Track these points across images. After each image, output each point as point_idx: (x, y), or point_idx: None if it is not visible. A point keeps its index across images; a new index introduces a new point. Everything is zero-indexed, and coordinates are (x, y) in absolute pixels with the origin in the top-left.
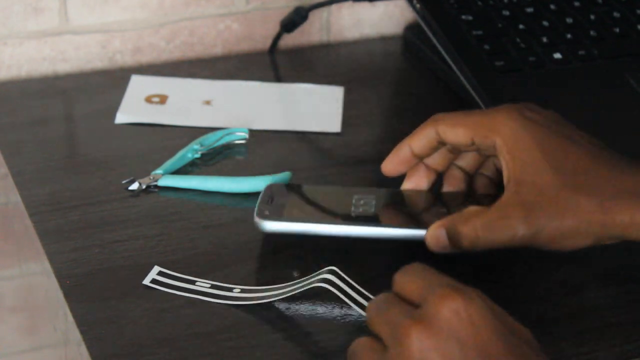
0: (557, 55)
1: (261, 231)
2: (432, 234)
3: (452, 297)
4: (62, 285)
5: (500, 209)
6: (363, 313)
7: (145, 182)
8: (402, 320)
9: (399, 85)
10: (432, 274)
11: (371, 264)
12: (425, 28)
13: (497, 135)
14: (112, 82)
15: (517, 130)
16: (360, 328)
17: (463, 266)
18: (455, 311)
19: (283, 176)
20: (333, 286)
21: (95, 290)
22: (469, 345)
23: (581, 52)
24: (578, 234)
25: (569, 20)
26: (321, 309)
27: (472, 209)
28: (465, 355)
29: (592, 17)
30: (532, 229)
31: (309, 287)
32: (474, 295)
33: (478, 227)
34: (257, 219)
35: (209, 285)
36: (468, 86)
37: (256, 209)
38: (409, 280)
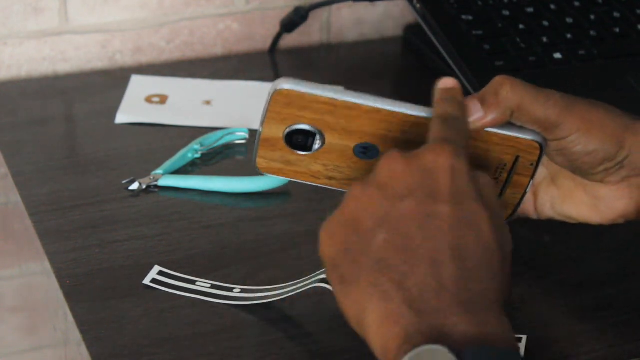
0: (557, 55)
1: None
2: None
3: (443, 149)
4: (62, 285)
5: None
6: None
7: (145, 182)
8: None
9: (399, 85)
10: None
11: None
12: (425, 28)
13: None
14: (112, 82)
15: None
16: None
17: None
18: (436, 158)
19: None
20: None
21: (95, 290)
22: (433, 188)
23: (581, 52)
24: (599, 140)
25: (569, 20)
26: (321, 309)
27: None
28: (423, 192)
29: (592, 17)
30: (566, 102)
31: (309, 287)
32: (463, 158)
33: (520, 86)
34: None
35: (209, 285)
36: (468, 86)
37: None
38: None
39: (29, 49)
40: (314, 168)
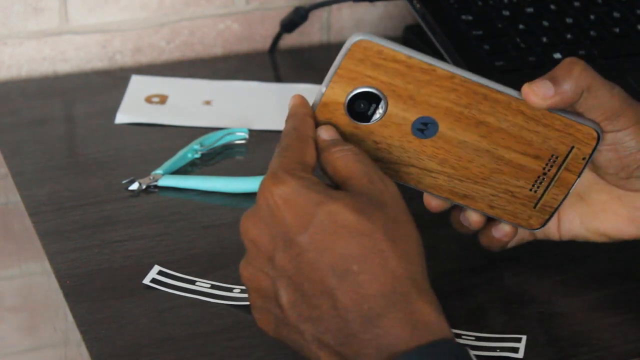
0: (557, 55)
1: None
2: (535, 85)
3: (264, 184)
4: (62, 285)
5: None
6: None
7: (145, 182)
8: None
9: None
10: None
11: None
12: (425, 28)
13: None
14: (112, 82)
15: None
16: None
17: (462, 265)
18: (266, 202)
19: None
20: None
21: (95, 290)
22: (282, 229)
23: (581, 52)
24: None
25: (569, 20)
26: None
27: None
28: (280, 238)
29: (592, 17)
30: (626, 95)
31: None
32: (285, 179)
33: (590, 69)
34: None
35: (209, 285)
36: None
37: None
38: None
39: (29, 49)
40: (363, 146)
